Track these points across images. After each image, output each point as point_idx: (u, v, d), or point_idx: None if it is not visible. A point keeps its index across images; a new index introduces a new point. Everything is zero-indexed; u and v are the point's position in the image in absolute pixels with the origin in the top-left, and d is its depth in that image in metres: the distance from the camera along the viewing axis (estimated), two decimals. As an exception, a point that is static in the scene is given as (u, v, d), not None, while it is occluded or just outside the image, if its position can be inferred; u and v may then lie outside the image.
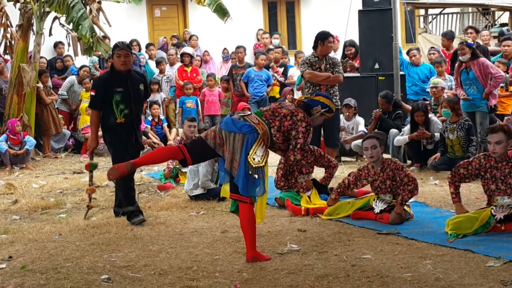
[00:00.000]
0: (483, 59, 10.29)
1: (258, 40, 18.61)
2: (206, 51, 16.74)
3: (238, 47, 15.43)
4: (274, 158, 8.76)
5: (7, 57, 13.36)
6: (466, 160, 6.69)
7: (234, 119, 5.77)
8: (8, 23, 12.70)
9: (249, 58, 15.78)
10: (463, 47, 10.13)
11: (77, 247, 6.29)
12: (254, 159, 5.57)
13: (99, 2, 12.76)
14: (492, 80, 10.13)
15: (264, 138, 5.72)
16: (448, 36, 13.85)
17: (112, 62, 7.46)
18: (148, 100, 14.13)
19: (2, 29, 12.67)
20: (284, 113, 5.88)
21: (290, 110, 5.90)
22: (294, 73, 14.74)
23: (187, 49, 15.62)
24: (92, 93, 7.48)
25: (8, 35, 12.68)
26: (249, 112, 6.05)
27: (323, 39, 9.41)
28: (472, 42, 10.47)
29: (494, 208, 6.37)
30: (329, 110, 6.21)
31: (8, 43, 12.69)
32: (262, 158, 5.64)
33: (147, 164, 6.67)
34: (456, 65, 10.59)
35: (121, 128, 7.29)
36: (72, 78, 14.14)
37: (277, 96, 14.68)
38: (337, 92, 9.48)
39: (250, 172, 5.53)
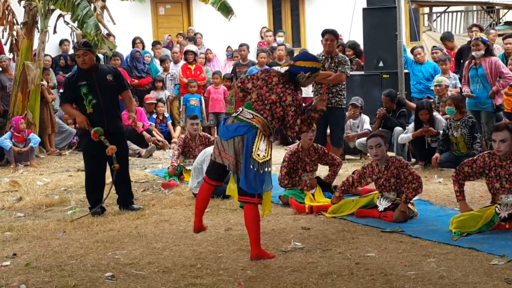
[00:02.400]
0: (496, 58, 10.31)
1: (262, 38, 18.59)
2: (208, 49, 16.72)
3: (241, 45, 15.42)
4: (278, 157, 8.79)
5: (12, 55, 13.35)
6: (470, 158, 6.68)
7: (228, 125, 5.75)
8: (14, 21, 12.69)
9: (253, 56, 15.78)
10: (478, 43, 10.11)
11: (81, 244, 6.30)
12: (259, 155, 5.57)
13: (103, 0, 12.74)
14: (502, 79, 10.12)
15: (265, 129, 5.72)
16: (449, 38, 13.90)
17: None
18: (156, 100, 14.17)
19: (8, 27, 12.66)
20: (273, 100, 5.81)
21: (278, 95, 5.82)
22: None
23: (191, 47, 15.62)
24: (61, 91, 7.93)
25: (15, 33, 12.66)
26: (240, 109, 5.99)
27: (322, 36, 9.45)
28: (487, 39, 10.45)
29: (498, 206, 6.36)
30: (313, 70, 5.99)
31: (14, 41, 12.66)
32: (267, 151, 5.64)
33: (202, 210, 6.31)
34: (467, 61, 10.57)
35: (92, 118, 7.67)
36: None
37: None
38: (344, 91, 9.46)
39: (255, 169, 5.53)
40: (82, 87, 7.67)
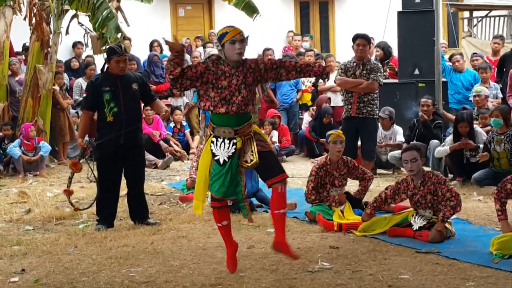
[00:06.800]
0: None
1: (288, 42, 18.60)
2: (231, 54, 16.73)
3: (266, 49, 15.44)
4: (304, 170, 8.77)
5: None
6: (513, 175, 6.63)
7: None
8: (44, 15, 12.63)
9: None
10: None
11: (93, 260, 6.33)
12: (246, 161, 5.74)
13: (118, 1, 12.81)
14: None
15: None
16: (502, 39, 13.84)
17: (108, 65, 7.88)
18: (173, 108, 14.22)
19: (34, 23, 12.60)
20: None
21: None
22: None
23: (214, 51, 15.65)
24: (84, 95, 8.22)
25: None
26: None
27: (352, 41, 9.44)
28: None
29: (544, 227, 6.32)
30: (223, 35, 5.92)
31: (46, 39, 12.62)
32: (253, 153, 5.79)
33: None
34: (511, 71, 10.44)
35: (110, 126, 7.72)
36: (79, 81, 14.24)
37: (309, 103, 14.67)
38: (376, 101, 9.43)
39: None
40: (105, 93, 7.71)
